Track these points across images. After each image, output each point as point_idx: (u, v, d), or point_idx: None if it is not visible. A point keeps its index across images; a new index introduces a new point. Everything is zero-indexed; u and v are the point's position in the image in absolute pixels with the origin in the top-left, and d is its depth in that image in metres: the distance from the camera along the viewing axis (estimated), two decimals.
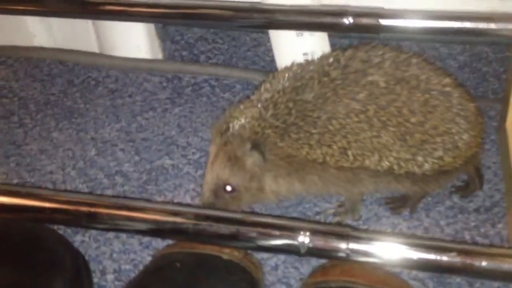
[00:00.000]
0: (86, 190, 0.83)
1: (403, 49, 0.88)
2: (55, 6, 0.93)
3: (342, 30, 0.76)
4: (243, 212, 0.67)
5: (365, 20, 0.74)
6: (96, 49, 1.07)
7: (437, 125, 0.67)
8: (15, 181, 0.85)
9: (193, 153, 0.88)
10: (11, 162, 0.89)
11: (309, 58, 0.86)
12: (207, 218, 0.58)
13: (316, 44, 0.86)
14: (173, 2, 0.89)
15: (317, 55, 0.85)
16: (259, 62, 1.02)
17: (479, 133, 0.70)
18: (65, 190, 0.80)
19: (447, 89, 0.69)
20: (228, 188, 0.69)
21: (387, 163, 0.67)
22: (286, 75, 0.71)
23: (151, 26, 1.03)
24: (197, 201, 0.80)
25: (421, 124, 0.67)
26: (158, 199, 0.81)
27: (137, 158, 0.88)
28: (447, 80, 0.70)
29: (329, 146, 0.67)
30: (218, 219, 0.58)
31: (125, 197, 0.77)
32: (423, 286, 0.64)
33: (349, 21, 0.75)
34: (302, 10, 0.80)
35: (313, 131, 0.67)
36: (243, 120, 0.69)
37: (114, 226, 0.63)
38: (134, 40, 1.03)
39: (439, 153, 0.68)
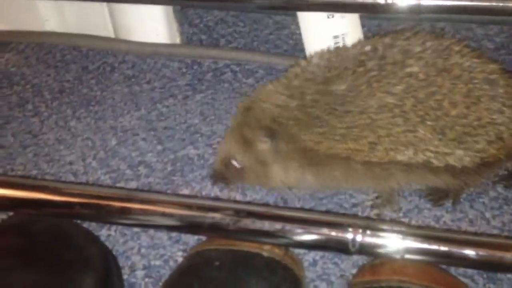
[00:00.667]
0: (109, 181, 0.80)
1: (439, 31, 0.84)
2: None
3: (379, 11, 0.72)
4: (286, 207, 0.63)
5: (405, 1, 0.70)
6: (111, 34, 1.03)
7: (480, 116, 0.63)
8: (34, 172, 0.82)
9: (218, 142, 0.84)
10: (29, 153, 0.85)
11: (340, 41, 0.82)
12: (249, 214, 0.55)
13: (347, 26, 0.82)
14: None
15: (348, 37, 0.82)
16: (282, 45, 0.98)
17: None
18: (92, 184, 0.76)
19: (493, 76, 0.65)
20: (235, 163, 0.69)
21: (423, 156, 0.63)
22: (319, 62, 0.67)
23: (168, 9, 0.98)
24: (225, 193, 0.76)
25: (463, 116, 0.63)
26: (185, 191, 0.77)
27: (160, 147, 0.84)
28: (492, 67, 0.66)
29: (356, 140, 0.63)
30: (261, 215, 0.55)
31: (158, 192, 0.73)
32: (473, 283, 0.61)
33: (386, 1, 0.71)
34: None
35: (339, 125, 0.63)
36: (267, 104, 0.66)
37: (148, 222, 0.59)
38: (151, 24, 0.99)
39: (482, 145, 0.64)
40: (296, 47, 0.97)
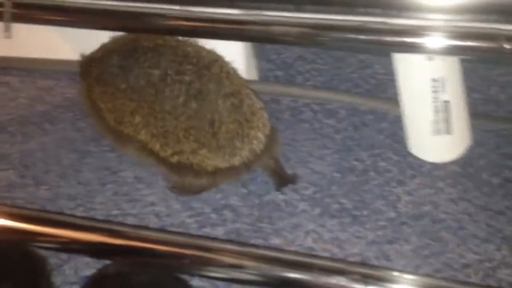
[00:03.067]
0: (195, 225, 0.76)
1: None
2: (152, 24, 0.86)
3: (495, 57, 0.68)
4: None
5: None
6: None
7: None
8: (115, 212, 0.79)
9: (305, 188, 0.81)
10: (108, 191, 0.82)
11: (439, 85, 0.79)
12: (338, 272, 0.51)
13: (447, 69, 0.78)
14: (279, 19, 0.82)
15: (448, 82, 0.78)
16: (364, 85, 0.95)
17: None
18: (198, 235, 0.72)
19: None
20: None
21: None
22: None
23: (248, 44, 0.96)
24: (320, 244, 0.73)
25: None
26: (276, 240, 0.74)
27: (244, 190, 0.81)
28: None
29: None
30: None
31: (252, 245, 0.69)
32: None
33: (508, 46, 0.67)
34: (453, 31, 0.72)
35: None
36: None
37: (250, 278, 0.55)
38: (230, 60, 0.96)
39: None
40: (379, 87, 0.94)
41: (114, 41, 0.81)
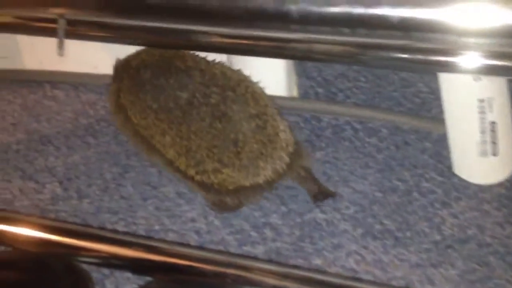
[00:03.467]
0: (234, 243, 0.76)
1: None
2: (196, 41, 0.86)
3: None
4: None
5: None
6: None
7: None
8: (156, 227, 0.79)
9: (347, 207, 0.80)
10: (149, 205, 0.83)
11: (485, 106, 0.77)
12: None
13: (495, 90, 0.77)
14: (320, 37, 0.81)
15: (495, 102, 0.77)
16: (407, 104, 0.94)
17: None
18: (222, 252, 0.72)
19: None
20: None
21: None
22: None
23: (289, 61, 0.96)
24: (362, 266, 0.71)
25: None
26: (317, 260, 0.73)
27: (284, 209, 0.80)
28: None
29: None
30: None
31: (293, 266, 0.68)
32: None
33: None
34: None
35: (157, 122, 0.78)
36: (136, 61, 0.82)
37: None
38: (271, 75, 0.96)
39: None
40: (423, 107, 0.92)
41: (149, 53, 0.82)
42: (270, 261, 0.71)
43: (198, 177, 0.75)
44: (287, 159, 0.75)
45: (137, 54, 0.83)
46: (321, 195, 0.79)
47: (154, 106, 0.77)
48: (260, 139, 0.74)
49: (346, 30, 0.39)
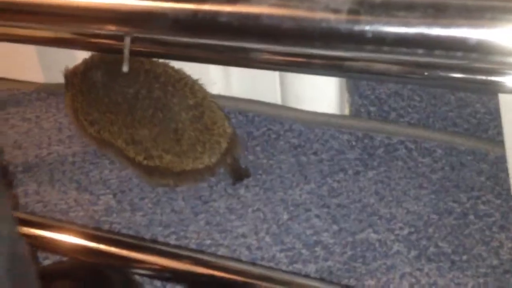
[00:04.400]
0: (285, 260, 0.76)
1: None
2: (254, 59, 0.87)
3: None
4: None
5: None
6: (278, 101, 1.01)
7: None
8: (207, 242, 0.79)
9: (401, 228, 0.78)
10: (201, 220, 0.83)
11: None
12: None
13: None
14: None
15: None
16: (463, 124, 0.92)
17: None
18: (274, 269, 0.72)
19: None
20: None
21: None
22: None
23: (342, 80, 0.95)
24: None
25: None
26: (370, 281, 0.72)
27: (335, 227, 0.80)
28: None
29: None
30: None
31: (346, 286, 0.67)
32: None
33: None
34: None
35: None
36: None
37: None
38: (323, 94, 0.96)
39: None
40: (479, 127, 0.90)
41: (94, 59, 0.89)
42: (322, 280, 0.70)
43: (145, 162, 0.84)
44: (224, 145, 0.84)
45: (83, 61, 0.90)
46: (239, 177, 0.88)
47: (105, 100, 0.85)
48: (197, 127, 0.83)
49: (421, 51, 0.39)
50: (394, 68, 0.74)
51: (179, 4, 0.49)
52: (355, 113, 0.98)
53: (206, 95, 0.88)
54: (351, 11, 0.39)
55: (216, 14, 0.43)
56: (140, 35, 0.66)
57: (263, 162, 0.93)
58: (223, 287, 0.61)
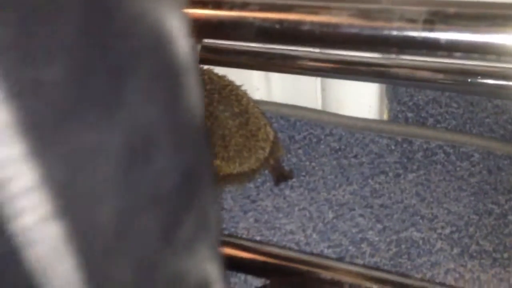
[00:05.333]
0: (333, 256, 0.79)
1: None
2: (299, 65, 0.92)
3: None
4: None
5: None
6: (318, 106, 1.06)
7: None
8: (258, 238, 0.84)
9: (443, 227, 0.82)
10: (250, 218, 0.87)
11: None
12: None
13: None
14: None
15: None
16: (499, 130, 0.95)
17: None
18: (338, 260, 0.75)
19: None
20: None
21: None
22: None
23: (382, 86, 1.00)
24: (461, 284, 0.73)
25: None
26: (417, 276, 0.75)
27: (379, 226, 0.83)
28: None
29: None
30: None
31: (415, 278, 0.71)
32: None
33: None
34: None
35: None
36: None
37: None
38: (364, 100, 1.00)
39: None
40: None
41: None
42: (387, 271, 0.73)
43: None
44: (267, 149, 0.87)
45: None
46: (282, 178, 0.92)
47: None
48: (243, 133, 0.86)
49: (493, 57, 0.43)
50: (437, 75, 0.79)
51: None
52: (394, 119, 1.02)
53: (249, 101, 0.91)
54: (426, 21, 0.43)
55: (299, 23, 0.48)
56: (208, 44, 0.71)
57: (306, 164, 0.97)
58: (288, 275, 0.64)
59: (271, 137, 0.90)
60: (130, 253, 0.20)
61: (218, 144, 0.87)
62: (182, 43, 0.23)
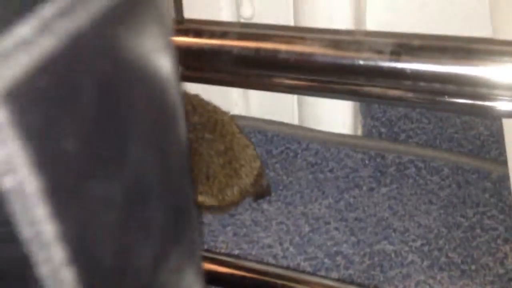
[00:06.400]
0: (309, 269, 0.83)
1: None
2: (266, 81, 0.95)
3: None
4: None
5: None
6: (295, 121, 1.09)
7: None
8: (236, 252, 0.86)
9: (414, 240, 0.86)
10: (228, 232, 0.90)
11: None
12: None
13: None
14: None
15: None
16: (467, 145, 1.00)
17: None
18: (312, 274, 0.79)
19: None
20: None
21: None
22: None
23: (356, 103, 1.03)
24: None
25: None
26: None
27: (353, 239, 0.87)
28: None
29: None
30: None
31: None
32: None
33: None
34: None
35: None
36: None
37: None
38: (339, 116, 1.03)
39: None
40: (483, 148, 0.98)
41: None
42: (360, 284, 0.76)
43: None
44: (251, 182, 0.90)
45: None
46: (261, 194, 0.94)
47: None
48: (227, 173, 0.88)
49: (452, 87, 0.46)
50: (408, 94, 0.82)
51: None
52: (367, 134, 1.06)
53: (234, 134, 0.91)
54: (393, 52, 0.47)
55: (276, 52, 0.50)
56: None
57: (283, 178, 1.00)
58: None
59: (255, 172, 0.90)
60: None
61: (202, 182, 0.88)
62: (174, 83, 0.25)
